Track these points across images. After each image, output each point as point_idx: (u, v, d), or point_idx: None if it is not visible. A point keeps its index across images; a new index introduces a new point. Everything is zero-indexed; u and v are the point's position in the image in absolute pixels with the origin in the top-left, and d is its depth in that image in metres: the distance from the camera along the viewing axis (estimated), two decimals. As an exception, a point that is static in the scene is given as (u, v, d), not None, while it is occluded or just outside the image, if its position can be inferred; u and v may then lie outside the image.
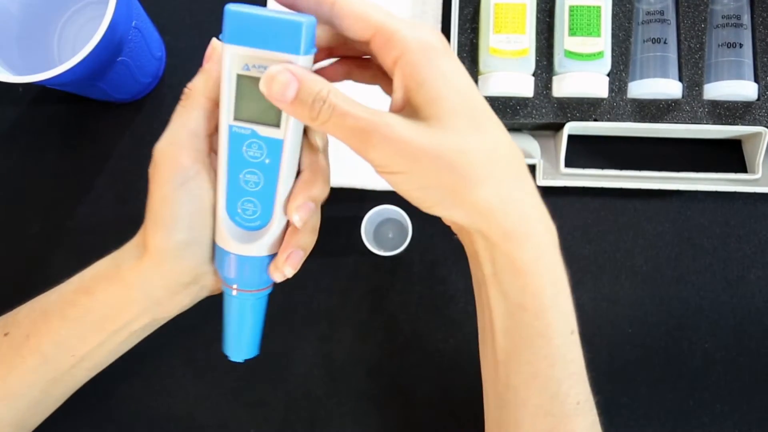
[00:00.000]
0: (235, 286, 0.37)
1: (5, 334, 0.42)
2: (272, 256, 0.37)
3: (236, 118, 0.33)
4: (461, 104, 0.31)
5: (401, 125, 0.31)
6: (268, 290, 0.39)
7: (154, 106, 0.55)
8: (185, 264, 0.38)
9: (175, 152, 0.36)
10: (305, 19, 0.31)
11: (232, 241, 0.35)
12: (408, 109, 0.32)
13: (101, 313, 0.40)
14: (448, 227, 0.53)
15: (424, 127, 0.31)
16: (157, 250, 0.37)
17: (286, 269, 0.37)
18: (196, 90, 0.36)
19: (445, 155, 0.31)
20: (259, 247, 0.35)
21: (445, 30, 0.54)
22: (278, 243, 0.36)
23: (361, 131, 0.31)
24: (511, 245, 0.33)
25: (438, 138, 0.31)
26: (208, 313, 0.52)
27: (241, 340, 0.39)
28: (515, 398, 0.35)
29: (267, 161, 0.34)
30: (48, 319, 0.40)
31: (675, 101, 0.51)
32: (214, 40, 0.37)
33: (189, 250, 0.37)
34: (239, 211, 0.35)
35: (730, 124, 0.50)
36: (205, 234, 0.37)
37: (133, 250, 0.39)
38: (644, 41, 0.51)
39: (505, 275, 0.34)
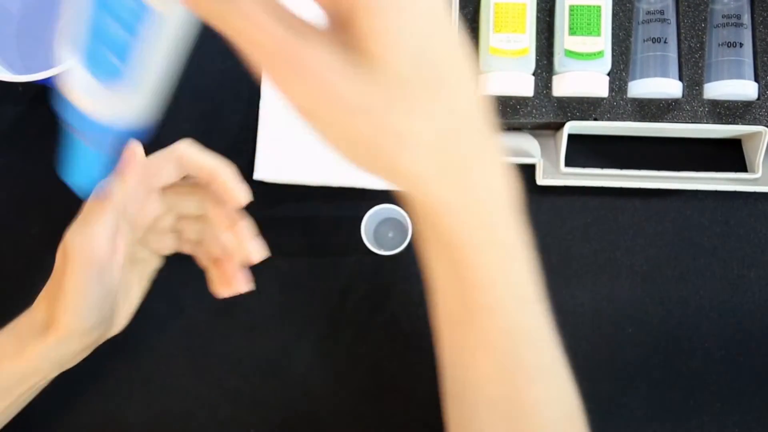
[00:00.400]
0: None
1: None
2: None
3: None
4: (417, 47, 0.23)
5: (329, 60, 0.23)
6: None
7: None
8: (93, 336, 0.41)
9: (90, 248, 0.38)
10: None
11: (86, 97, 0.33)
12: (345, 31, 0.24)
13: (6, 384, 0.42)
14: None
15: (359, 67, 0.23)
16: (67, 331, 0.40)
17: None
18: (113, 196, 0.39)
19: (377, 111, 0.24)
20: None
21: (445, 29, 0.54)
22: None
23: (274, 56, 0.24)
24: (449, 218, 0.29)
25: (372, 86, 0.24)
26: (207, 313, 0.52)
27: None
28: (475, 370, 0.33)
29: (135, 25, 0.29)
30: None
31: (675, 101, 0.51)
32: (136, 147, 0.39)
33: (97, 327, 0.41)
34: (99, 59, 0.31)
35: (730, 123, 0.50)
36: (111, 309, 0.41)
37: (37, 326, 0.41)
38: (644, 41, 0.51)
39: (442, 248, 0.31)
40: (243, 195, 0.41)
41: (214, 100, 0.55)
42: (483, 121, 0.27)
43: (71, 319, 0.39)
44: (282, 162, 0.53)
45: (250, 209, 0.54)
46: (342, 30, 0.24)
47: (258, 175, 0.53)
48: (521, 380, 0.33)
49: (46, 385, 0.45)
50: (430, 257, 0.32)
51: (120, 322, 0.45)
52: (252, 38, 0.23)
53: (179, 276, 0.52)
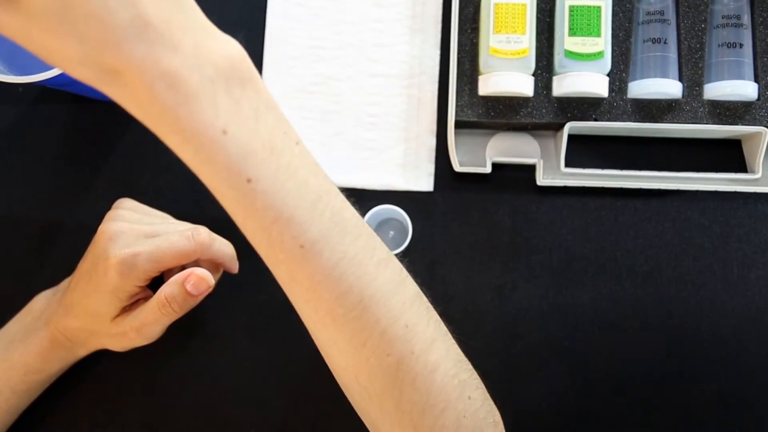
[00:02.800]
0: None
1: None
2: None
3: None
4: None
5: None
6: None
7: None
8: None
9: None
10: None
11: None
12: None
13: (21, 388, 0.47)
14: (448, 226, 0.53)
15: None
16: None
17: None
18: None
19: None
20: None
21: (446, 30, 0.55)
22: None
23: None
24: (133, 96, 0.29)
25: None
26: (208, 313, 0.52)
27: None
28: (257, 252, 0.34)
29: None
30: None
31: (675, 101, 0.51)
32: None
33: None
34: None
35: (730, 123, 0.50)
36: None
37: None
38: (644, 41, 0.51)
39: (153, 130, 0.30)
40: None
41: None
42: None
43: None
44: None
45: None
46: None
47: None
48: (288, 260, 0.33)
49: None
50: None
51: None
52: None
53: (179, 276, 0.52)
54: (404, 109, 0.54)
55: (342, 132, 0.54)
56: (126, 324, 0.45)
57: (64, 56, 0.27)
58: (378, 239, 0.36)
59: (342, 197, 0.35)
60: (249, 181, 0.31)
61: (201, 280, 0.44)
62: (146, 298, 0.46)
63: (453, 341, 0.38)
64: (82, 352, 0.48)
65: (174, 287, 0.44)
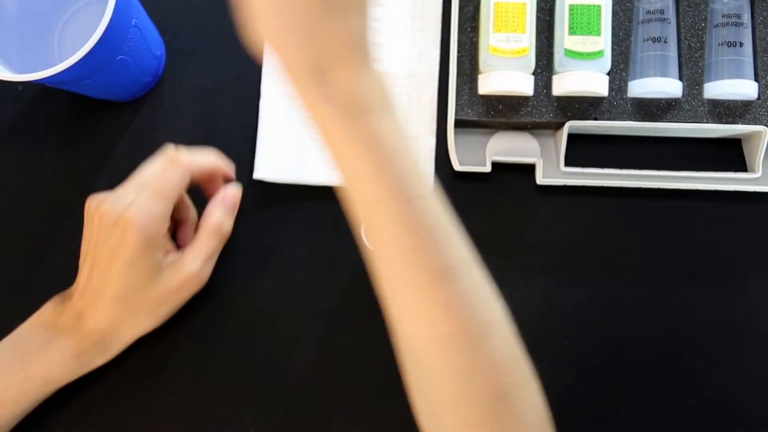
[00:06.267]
0: None
1: None
2: None
3: None
4: None
5: None
6: None
7: (154, 105, 0.55)
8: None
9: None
10: None
11: None
12: None
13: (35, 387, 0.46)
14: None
15: None
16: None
17: None
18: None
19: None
20: None
21: (445, 29, 0.54)
22: None
23: None
24: (320, 105, 0.32)
25: None
26: (207, 313, 0.52)
27: None
28: (384, 270, 0.34)
29: None
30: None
31: (675, 100, 0.51)
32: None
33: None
34: None
35: (730, 123, 0.50)
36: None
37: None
38: (644, 40, 0.51)
39: (325, 135, 0.33)
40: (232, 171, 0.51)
41: (214, 99, 0.55)
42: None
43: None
44: (282, 162, 0.53)
45: (250, 209, 0.54)
46: None
47: (258, 174, 0.53)
48: (427, 282, 0.33)
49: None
50: (332, 147, 0.34)
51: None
52: None
53: (179, 276, 0.52)
54: (404, 109, 0.54)
55: None
56: (184, 271, 0.46)
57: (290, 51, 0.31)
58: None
59: None
60: (414, 198, 0.33)
61: (232, 195, 0.49)
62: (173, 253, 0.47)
63: None
64: (114, 350, 0.47)
65: (215, 212, 0.48)
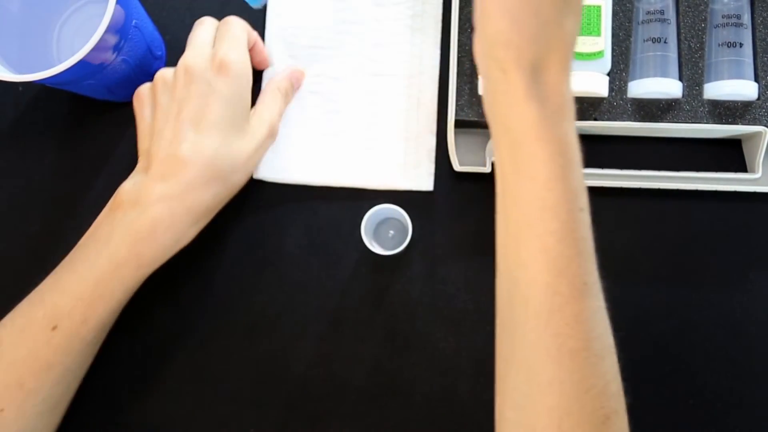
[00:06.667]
0: None
1: (54, 328, 0.44)
2: None
3: None
4: None
5: None
6: None
7: (154, 106, 0.55)
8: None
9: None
10: None
11: None
12: None
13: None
14: (448, 226, 0.53)
15: None
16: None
17: None
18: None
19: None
20: None
21: (445, 30, 0.54)
22: None
23: None
24: (529, 105, 0.33)
25: None
26: (208, 313, 0.52)
27: None
28: (525, 275, 0.35)
29: None
30: (104, 299, 0.45)
31: (675, 101, 0.51)
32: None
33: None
34: None
35: (730, 123, 0.50)
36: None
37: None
38: (644, 41, 0.51)
39: (519, 138, 0.34)
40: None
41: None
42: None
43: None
44: (282, 162, 0.53)
45: (250, 209, 0.54)
46: None
47: (258, 174, 0.53)
48: (569, 293, 0.34)
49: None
50: (509, 153, 0.36)
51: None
52: None
53: (179, 276, 0.52)
54: (404, 109, 0.54)
55: (342, 132, 0.54)
56: (256, 135, 0.48)
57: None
58: None
59: None
60: (580, 210, 0.34)
61: (298, 72, 0.53)
62: None
63: None
64: (196, 216, 0.47)
65: (281, 78, 0.52)
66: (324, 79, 0.54)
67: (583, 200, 0.35)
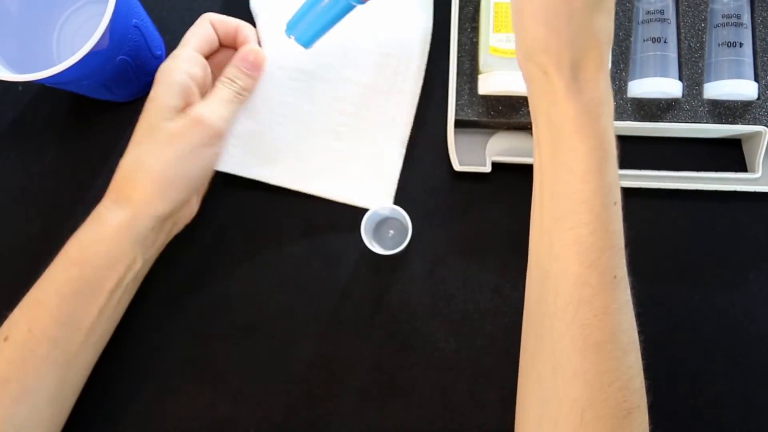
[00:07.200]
0: None
1: (5, 339, 0.42)
2: None
3: None
4: None
5: None
6: (364, 2, 0.45)
7: (154, 106, 0.55)
8: (166, 205, 0.45)
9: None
10: None
11: None
12: None
13: (97, 278, 0.43)
14: (448, 225, 0.53)
15: None
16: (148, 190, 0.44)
17: None
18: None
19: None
20: None
21: (446, 29, 0.54)
22: None
23: None
24: (569, 102, 0.35)
25: None
26: (207, 313, 0.52)
27: (314, 29, 0.47)
28: (556, 266, 0.36)
29: None
30: (44, 304, 0.43)
31: (675, 100, 0.51)
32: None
33: (172, 196, 0.45)
34: None
35: (730, 123, 0.50)
36: (186, 180, 0.46)
37: (113, 201, 0.45)
38: (644, 40, 0.51)
39: (560, 133, 0.36)
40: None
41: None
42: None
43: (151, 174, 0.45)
44: (248, 156, 0.51)
45: (250, 209, 0.54)
46: None
47: (221, 167, 0.51)
48: (599, 285, 0.35)
49: (129, 298, 0.47)
50: (550, 144, 0.38)
51: (191, 209, 0.49)
52: None
53: (179, 276, 0.52)
54: (375, 125, 0.52)
55: (313, 134, 0.52)
56: (189, 114, 0.45)
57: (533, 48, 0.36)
58: None
59: None
60: (615, 203, 0.36)
61: (253, 51, 0.49)
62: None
63: None
64: (142, 194, 0.45)
65: (231, 66, 0.48)
66: (303, 75, 0.52)
67: (617, 194, 0.36)
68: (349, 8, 0.45)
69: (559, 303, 0.36)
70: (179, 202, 0.46)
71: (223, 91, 0.47)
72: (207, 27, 0.48)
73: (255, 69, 0.49)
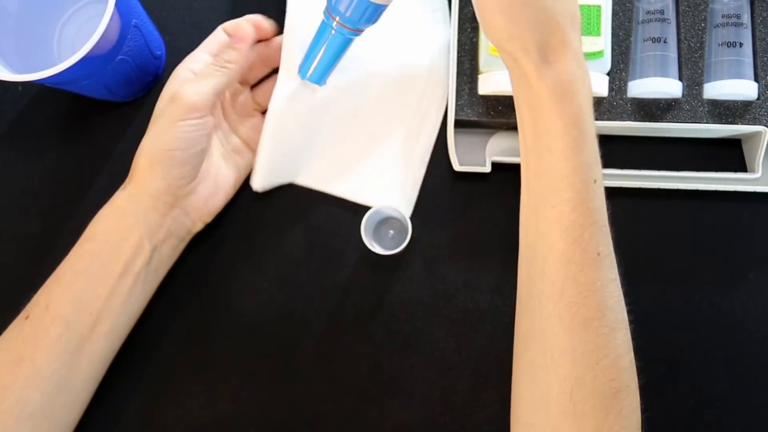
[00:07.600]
0: (337, 19, 0.44)
1: (26, 318, 0.44)
2: (383, 7, 0.44)
3: None
4: None
5: None
6: (358, 34, 0.46)
7: (154, 105, 0.55)
8: (168, 192, 0.46)
9: (198, 97, 0.45)
10: None
11: None
12: None
13: (105, 254, 0.45)
14: (448, 225, 0.53)
15: None
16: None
17: None
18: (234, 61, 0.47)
19: None
20: None
21: (445, 29, 0.54)
22: None
23: None
24: (542, 84, 0.36)
25: None
26: (207, 313, 0.52)
27: (321, 67, 0.48)
28: (543, 245, 0.37)
29: None
30: (60, 281, 0.45)
31: (675, 100, 0.51)
32: (263, 22, 0.49)
33: (175, 183, 0.46)
34: None
35: (730, 123, 0.50)
36: (192, 173, 0.47)
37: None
38: (644, 40, 0.51)
39: (538, 114, 0.37)
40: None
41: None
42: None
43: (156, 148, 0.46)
44: (280, 169, 0.52)
45: (250, 210, 0.54)
46: None
47: (256, 185, 0.52)
48: (582, 262, 0.36)
49: (143, 293, 0.47)
50: (531, 125, 0.39)
51: (206, 208, 0.49)
52: None
53: (179, 276, 0.52)
54: (402, 137, 0.53)
55: (337, 138, 0.53)
56: (167, 89, 0.47)
57: (508, 36, 0.36)
58: None
59: None
60: (595, 182, 0.37)
61: (241, 28, 0.48)
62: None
63: None
64: (139, 178, 0.46)
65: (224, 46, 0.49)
66: (340, 82, 0.52)
67: (597, 172, 0.37)
68: (348, 42, 0.46)
69: (546, 282, 0.36)
70: (172, 178, 0.46)
71: (206, 67, 0.48)
72: (218, 32, 0.50)
73: (239, 41, 0.48)
